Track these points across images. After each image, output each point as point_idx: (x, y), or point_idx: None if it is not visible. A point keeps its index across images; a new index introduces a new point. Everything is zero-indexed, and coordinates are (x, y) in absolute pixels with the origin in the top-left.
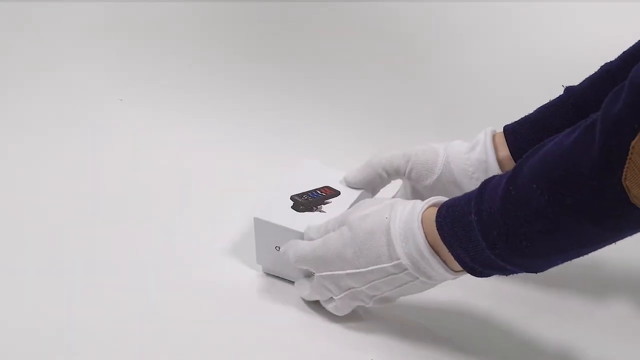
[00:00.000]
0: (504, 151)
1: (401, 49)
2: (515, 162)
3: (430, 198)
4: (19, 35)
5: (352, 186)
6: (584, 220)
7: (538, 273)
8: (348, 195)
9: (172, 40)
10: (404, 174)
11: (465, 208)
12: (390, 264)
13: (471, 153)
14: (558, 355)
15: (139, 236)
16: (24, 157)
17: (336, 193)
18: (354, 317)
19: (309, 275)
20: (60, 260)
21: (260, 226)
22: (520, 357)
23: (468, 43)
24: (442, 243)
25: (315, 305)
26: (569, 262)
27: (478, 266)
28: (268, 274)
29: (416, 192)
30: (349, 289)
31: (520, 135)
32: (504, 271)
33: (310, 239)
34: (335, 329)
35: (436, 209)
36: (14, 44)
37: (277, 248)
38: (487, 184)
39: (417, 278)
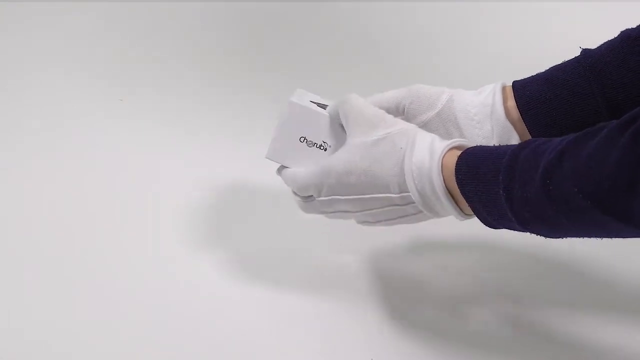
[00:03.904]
0: (512, 101)
1: (393, 51)
2: (520, 113)
3: (452, 141)
4: (18, 35)
5: None
6: (627, 223)
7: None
8: None
9: (172, 41)
10: (404, 110)
11: (490, 177)
12: (397, 195)
13: (477, 97)
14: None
15: (138, 235)
16: (24, 157)
17: None
18: (354, 317)
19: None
20: (61, 259)
21: (293, 112)
22: None
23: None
24: (459, 193)
25: (315, 305)
26: None
27: (498, 225)
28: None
29: None
30: (342, 211)
31: (530, 88)
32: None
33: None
34: (336, 328)
35: (454, 153)
36: (13, 44)
37: (302, 139)
38: (516, 158)
39: (421, 212)
